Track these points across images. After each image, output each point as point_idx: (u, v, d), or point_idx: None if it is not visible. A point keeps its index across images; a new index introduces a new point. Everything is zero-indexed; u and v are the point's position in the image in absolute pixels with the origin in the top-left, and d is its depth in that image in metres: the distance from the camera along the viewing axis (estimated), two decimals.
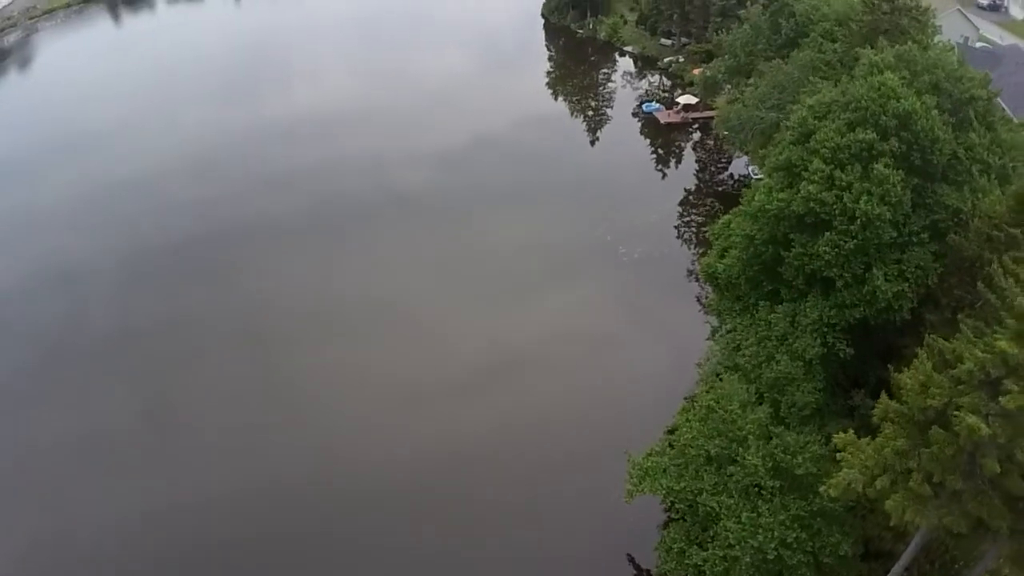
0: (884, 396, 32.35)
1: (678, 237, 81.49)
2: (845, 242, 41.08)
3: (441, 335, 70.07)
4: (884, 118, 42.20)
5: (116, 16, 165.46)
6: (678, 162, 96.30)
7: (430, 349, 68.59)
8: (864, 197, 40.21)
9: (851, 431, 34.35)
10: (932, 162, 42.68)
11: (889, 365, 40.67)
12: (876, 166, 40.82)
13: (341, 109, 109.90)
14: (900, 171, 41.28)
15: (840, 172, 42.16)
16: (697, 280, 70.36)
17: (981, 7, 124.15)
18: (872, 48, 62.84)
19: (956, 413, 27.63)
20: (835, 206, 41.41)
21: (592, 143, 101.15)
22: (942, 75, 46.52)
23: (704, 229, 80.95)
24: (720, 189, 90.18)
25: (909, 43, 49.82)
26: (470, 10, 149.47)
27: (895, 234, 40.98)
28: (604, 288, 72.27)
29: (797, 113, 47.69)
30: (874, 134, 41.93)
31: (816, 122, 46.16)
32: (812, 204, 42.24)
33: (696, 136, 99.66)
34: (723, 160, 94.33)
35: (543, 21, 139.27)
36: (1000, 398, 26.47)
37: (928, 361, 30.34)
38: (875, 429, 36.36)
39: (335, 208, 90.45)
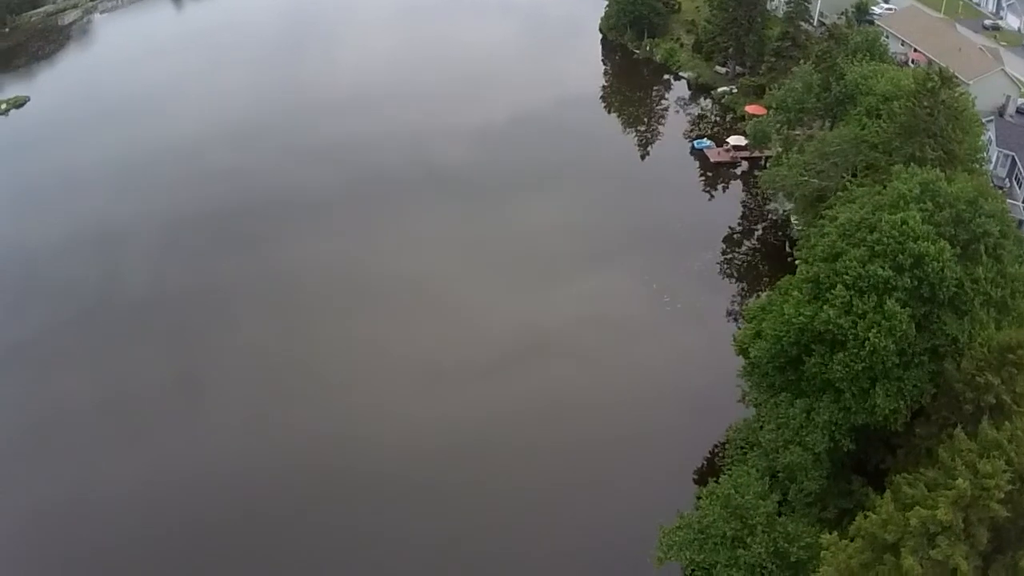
0: (860, 516, 41.08)
1: (721, 278, 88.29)
2: (855, 363, 48.98)
3: (467, 319, 78.74)
4: (901, 257, 49.64)
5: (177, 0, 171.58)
6: (725, 201, 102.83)
7: (453, 330, 77.32)
8: (875, 329, 47.96)
9: (835, 533, 43.14)
10: (939, 295, 50.15)
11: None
12: (889, 302, 48.41)
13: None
14: (908, 306, 48.85)
15: (859, 300, 49.82)
16: (736, 320, 78.26)
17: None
18: (912, 139, 70.17)
19: (903, 548, 36.41)
20: (850, 332, 49.23)
21: (643, 180, 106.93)
22: (962, 206, 53.50)
23: (745, 275, 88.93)
24: (763, 232, 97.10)
25: (936, 171, 56.65)
26: (528, 18, 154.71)
27: (897, 360, 48.75)
28: (645, 332, 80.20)
29: (828, 235, 55.15)
30: (890, 271, 49.40)
31: (843, 243, 53.69)
32: (831, 326, 50.12)
33: (745, 175, 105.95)
34: (767, 201, 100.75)
35: (601, 36, 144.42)
36: (932, 550, 35.27)
37: (891, 502, 38.97)
38: (866, 508, 45.29)
39: (372, 183, 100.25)
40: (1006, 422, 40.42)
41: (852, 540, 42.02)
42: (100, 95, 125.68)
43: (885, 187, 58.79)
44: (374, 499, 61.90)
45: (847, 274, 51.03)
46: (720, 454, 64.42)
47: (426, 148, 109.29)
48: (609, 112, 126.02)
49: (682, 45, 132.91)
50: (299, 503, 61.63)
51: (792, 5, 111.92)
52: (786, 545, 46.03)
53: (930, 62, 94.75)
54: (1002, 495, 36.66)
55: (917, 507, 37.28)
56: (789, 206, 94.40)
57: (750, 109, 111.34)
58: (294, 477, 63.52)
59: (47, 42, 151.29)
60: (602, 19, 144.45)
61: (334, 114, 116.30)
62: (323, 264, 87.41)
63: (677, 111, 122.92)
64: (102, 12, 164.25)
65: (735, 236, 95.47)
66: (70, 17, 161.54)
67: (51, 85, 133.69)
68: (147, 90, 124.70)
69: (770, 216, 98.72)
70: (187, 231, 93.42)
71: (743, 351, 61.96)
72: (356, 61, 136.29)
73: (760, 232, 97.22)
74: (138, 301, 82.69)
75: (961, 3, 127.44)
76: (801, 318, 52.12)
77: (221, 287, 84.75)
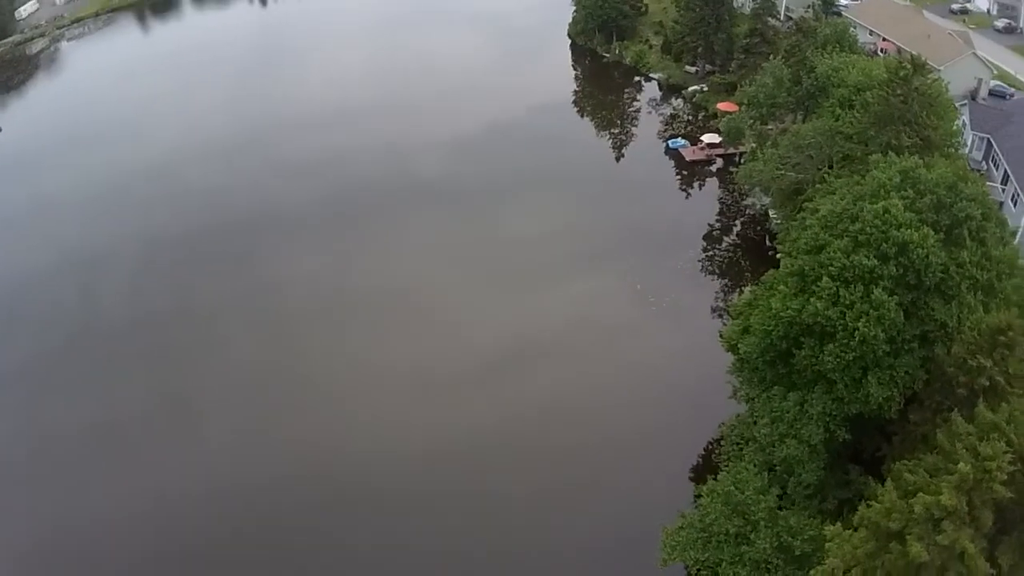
0: (863, 506, 41.03)
1: (704, 276, 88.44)
2: (846, 354, 49.00)
3: (455, 326, 78.95)
4: (885, 245, 49.77)
5: (144, 24, 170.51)
6: (702, 198, 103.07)
7: (442, 338, 77.39)
8: (863, 319, 48.01)
9: (839, 524, 43.09)
10: (925, 281, 50.33)
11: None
12: (876, 291, 48.50)
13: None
14: (895, 294, 48.96)
15: (845, 290, 49.87)
16: (722, 316, 78.45)
17: (997, 30, 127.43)
18: (887, 128, 70.52)
19: (908, 536, 36.39)
20: (839, 322, 49.27)
21: (620, 182, 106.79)
22: (943, 192, 53.72)
23: (727, 271, 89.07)
24: (741, 227, 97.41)
25: (915, 158, 56.97)
26: (497, 28, 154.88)
27: (888, 348, 48.84)
28: (631, 333, 79.94)
29: (811, 228, 55.26)
30: (875, 260, 49.49)
31: (826, 235, 53.82)
32: (819, 318, 50.16)
33: (720, 172, 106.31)
34: (744, 196, 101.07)
35: (569, 42, 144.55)
36: (938, 535, 35.43)
37: (893, 490, 38.98)
38: (867, 497, 45.29)
39: (352, 196, 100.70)
40: (1002, 403, 40.58)
41: (856, 530, 42.00)
42: (72, 122, 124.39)
43: (864, 177, 59.06)
44: (374, 506, 61.72)
45: (832, 265, 51.02)
46: (715, 451, 64.36)
47: (405, 160, 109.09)
48: (582, 116, 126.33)
49: (651, 47, 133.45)
50: (297, 515, 61.23)
51: (759, 1, 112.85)
52: (790, 539, 45.95)
53: (900, 50, 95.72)
54: (1004, 476, 36.76)
55: (920, 493, 37.32)
56: (766, 200, 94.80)
57: (722, 106, 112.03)
58: (291, 489, 63.06)
59: (16, 72, 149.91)
60: (570, 24, 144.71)
61: (311, 130, 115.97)
62: (308, 278, 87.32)
63: (650, 112, 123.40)
64: (69, 39, 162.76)
65: (715, 233, 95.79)
66: (38, 46, 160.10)
67: (22, 114, 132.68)
68: (120, 114, 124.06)
69: (748, 211, 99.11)
70: (170, 251, 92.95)
71: (732, 347, 61.92)
72: (330, 77, 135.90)
73: (739, 228, 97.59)
74: (125, 322, 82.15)
75: None
76: (789, 311, 52.09)
77: (208, 305, 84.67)
